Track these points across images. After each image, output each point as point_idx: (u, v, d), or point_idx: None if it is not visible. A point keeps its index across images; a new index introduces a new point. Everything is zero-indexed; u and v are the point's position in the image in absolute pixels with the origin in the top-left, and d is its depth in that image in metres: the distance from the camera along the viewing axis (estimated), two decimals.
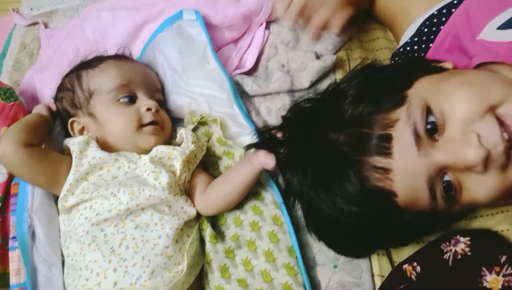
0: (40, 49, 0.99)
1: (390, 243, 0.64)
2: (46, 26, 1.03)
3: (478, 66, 0.61)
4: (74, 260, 0.59)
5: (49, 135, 0.71)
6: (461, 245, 0.58)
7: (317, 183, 0.54)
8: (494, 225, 0.63)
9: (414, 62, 0.64)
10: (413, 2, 0.74)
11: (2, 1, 1.13)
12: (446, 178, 0.51)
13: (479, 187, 0.51)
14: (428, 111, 0.51)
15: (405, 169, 0.50)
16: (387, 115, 0.51)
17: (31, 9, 1.07)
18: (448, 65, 0.59)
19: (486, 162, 0.48)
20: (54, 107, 0.74)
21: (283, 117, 0.65)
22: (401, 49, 0.72)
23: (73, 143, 0.64)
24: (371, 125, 0.52)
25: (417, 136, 0.50)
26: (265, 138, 0.64)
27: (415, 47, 0.70)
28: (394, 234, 0.59)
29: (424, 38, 0.69)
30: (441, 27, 0.67)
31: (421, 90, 0.53)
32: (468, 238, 0.59)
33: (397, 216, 0.53)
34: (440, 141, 0.51)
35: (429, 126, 0.50)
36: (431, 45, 0.68)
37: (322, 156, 0.55)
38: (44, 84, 0.86)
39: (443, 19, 0.67)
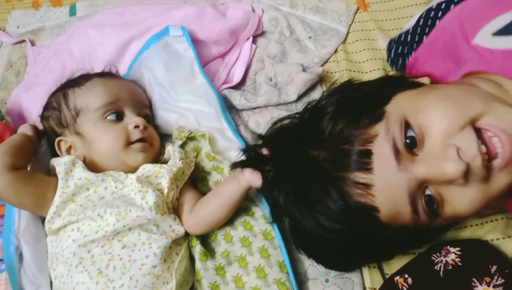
0: (27, 67, 0.99)
1: (376, 258, 0.64)
2: (33, 43, 1.02)
3: (468, 74, 0.62)
4: (62, 282, 0.59)
5: (35, 155, 0.70)
6: (452, 255, 0.59)
7: (300, 201, 0.55)
8: (484, 234, 0.64)
9: (392, 79, 0.65)
10: None
11: None
12: (427, 192, 0.51)
13: (461, 199, 0.51)
14: (407, 126, 0.51)
15: (386, 184, 0.50)
16: (366, 131, 0.52)
17: (18, 27, 1.08)
18: (425, 80, 0.60)
19: (467, 175, 0.49)
20: (40, 126, 0.73)
21: (262, 136, 0.65)
22: (399, 38, 0.75)
23: (59, 164, 0.64)
24: (350, 141, 0.52)
25: (396, 151, 0.50)
26: (251, 156, 0.64)
27: (409, 38, 0.72)
28: (379, 249, 0.59)
29: (419, 30, 0.70)
30: (437, 22, 0.68)
31: (399, 106, 0.54)
32: (459, 249, 0.59)
33: (381, 232, 0.53)
34: (419, 156, 0.51)
35: (408, 141, 0.51)
36: (424, 38, 0.70)
37: (304, 173, 0.55)
38: (31, 102, 0.85)
39: (440, 13, 0.68)
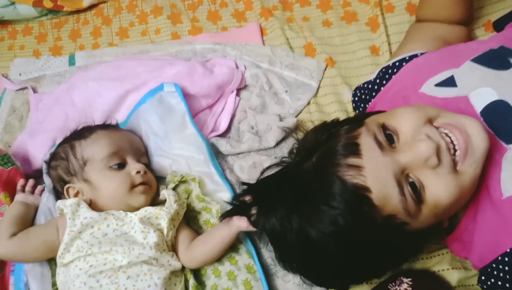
0: (30, 112, 1.05)
1: (368, 272, 0.67)
2: (34, 90, 1.09)
3: None
4: None
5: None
6: (405, 285, 0.67)
7: (300, 206, 0.59)
8: (433, 265, 0.73)
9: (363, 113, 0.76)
10: (409, 41, 0.89)
11: None
12: (410, 179, 0.57)
13: (437, 184, 0.57)
14: (384, 127, 0.60)
15: (373, 166, 0.56)
16: (350, 134, 0.60)
17: (20, 74, 1.14)
18: None
19: (438, 154, 0.56)
20: (31, 183, 0.83)
21: (246, 183, 0.74)
22: (363, 86, 0.87)
23: (66, 206, 0.72)
24: (337, 140, 0.60)
25: (378, 142, 0.58)
26: (236, 205, 0.73)
27: (370, 87, 0.85)
28: (372, 259, 0.62)
29: (378, 81, 0.83)
30: (393, 76, 0.82)
31: (375, 118, 0.64)
32: (410, 279, 0.68)
33: (374, 219, 0.56)
34: (397, 148, 0.59)
35: (387, 138, 0.59)
36: (382, 88, 0.83)
37: (299, 178, 0.61)
38: (36, 148, 0.93)
39: (395, 70, 0.82)
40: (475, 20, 0.98)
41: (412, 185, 0.57)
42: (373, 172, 0.56)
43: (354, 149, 0.57)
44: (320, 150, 0.61)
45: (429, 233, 0.64)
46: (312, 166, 0.61)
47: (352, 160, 0.56)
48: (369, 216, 0.55)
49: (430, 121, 0.60)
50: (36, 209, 0.80)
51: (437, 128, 0.60)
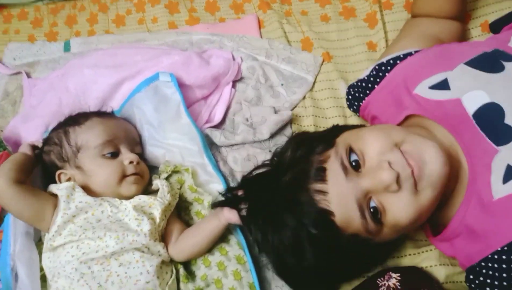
0: (23, 98, 1.05)
1: (342, 276, 0.73)
2: (28, 75, 1.09)
3: (408, 117, 0.75)
4: None
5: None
6: (393, 280, 0.68)
7: (272, 217, 0.64)
8: (420, 262, 0.74)
9: (339, 125, 0.78)
10: (403, 38, 0.90)
11: None
12: (372, 204, 0.62)
13: (397, 207, 0.61)
14: (350, 150, 0.64)
15: (337, 191, 0.60)
16: (320, 156, 0.64)
17: (14, 58, 1.14)
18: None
19: (398, 181, 0.60)
20: (39, 144, 0.81)
21: (244, 178, 0.75)
22: (356, 84, 0.88)
23: (60, 189, 0.72)
24: (308, 163, 0.64)
25: (344, 167, 0.62)
26: (228, 197, 0.74)
27: (363, 85, 0.86)
28: (344, 267, 0.68)
29: (371, 79, 0.84)
30: (386, 74, 0.82)
31: (345, 138, 0.67)
32: (399, 274, 0.69)
33: (339, 237, 0.61)
34: (362, 172, 0.63)
35: (354, 164, 0.63)
36: (375, 87, 0.83)
37: (273, 195, 0.65)
38: (29, 133, 0.93)
39: (389, 68, 0.82)
40: (472, 20, 0.99)
41: (374, 210, 0.62)
42: (337, 197, 0.60)
43: (321, 175, 0.62)
44: (295, 169, 0.65)
45: (392, 244, 0.71)
46: (286, 183, 0.65)
47: (319, 186, 0.61)
48: (334, 234, 0.61)
49: (397, 145, 0.63)
50: (34, 165, 0.79)
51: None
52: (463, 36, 0.94)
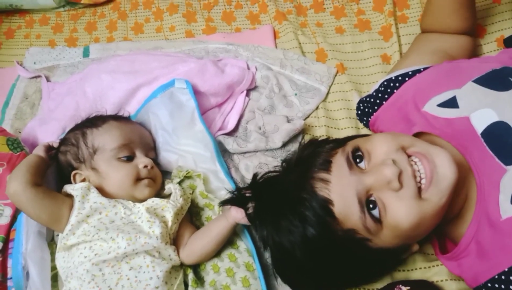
0: (41, 101, 1.08)
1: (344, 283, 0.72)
2: (47, 79, 1.11)
3: (416, 134, 0.75)
4: None
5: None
6: None
7: (277, 210, 0.65)
8: (432, 276, 0.73)
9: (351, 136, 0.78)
10: (412, 53, 0.91)
11: (7, 54, 1.23)
12: (373, 202, 0.61)
13: (398, 208, 0.60)
14: (358, 150, 0.65)
15: (339, 182, 0.61)
16: (329, 152, 0.66)
17: (34, 62, 1.17)
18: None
19: (400, 179, 0.60)
20: (56, 144, 0.82)
21: (254, 178, 0.75)
22: (365, 99, 0.88)
23: (75, 189, 0.73)
24: (316, 157, 0.66)
25: (349, 162, 0.63)
26: (236, 196, 0.74)
27: (372, 100, 0.86)
28: (347, 273, 0.68)
29: (380, 95, 0.84)
30: (395, 91, 0.82)
31: (354, 141, 0.68)
32: (409, 288, 0.68)
33: (336, 229, 0.60)
34: (366, 170, 0.63)
35: (358, 160, 0.65)
36: (384, 102, 0.84)
37: (279, 188, 0.67)
38: (46, 135, 0.95)
39: (397, 84, 0.82)
40: (487, 35, 0.99)
41: (373, 204, 0.61)
42: (338, 188, 0.61)
43: (326, 166, 0.63)
44: (303, 164, 0.67)
45: (395, 254, 0.68)
46: (294, 177, 0.66)
47: (322, 175, 0.62)
48: (331, 227, 0.60)
49: (403, 148, 0.64)
50: (47, 167, 0.79)
51: (409, 156, 0.64)
52: (475, 51, 0.94)
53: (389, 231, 0.61)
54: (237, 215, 0.72)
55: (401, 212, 0.60)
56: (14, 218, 0.81)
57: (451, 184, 0.61)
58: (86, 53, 1.16)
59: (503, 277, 0.59)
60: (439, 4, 0.88)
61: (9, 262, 0.77)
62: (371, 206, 0.61)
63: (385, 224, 0.61)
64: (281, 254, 0.66)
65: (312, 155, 0.67)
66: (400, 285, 0.69)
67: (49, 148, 0.82)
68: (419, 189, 0.61)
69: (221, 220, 0.74)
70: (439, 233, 0.73)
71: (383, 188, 0.61)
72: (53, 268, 0.75)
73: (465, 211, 0.67)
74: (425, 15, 0.93)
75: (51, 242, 0.79)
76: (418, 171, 0.62)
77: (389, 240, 0.63)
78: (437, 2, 0.88)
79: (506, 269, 0.59)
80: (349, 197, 0.60)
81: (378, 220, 0.61)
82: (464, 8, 0.86)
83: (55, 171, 0.83)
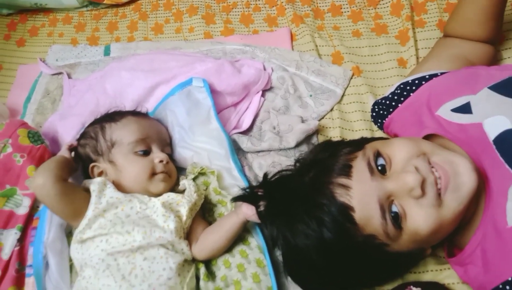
0: (62, 97, 1.10)
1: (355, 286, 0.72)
2: (69, 76, 1.14)
3: (426, 136, 0.75)
4: (89, 282, 0.68)
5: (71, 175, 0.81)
6: None
7: (291, 214, 0.65)
8: (443, 278, 0.74)
9: (368, 138, 0.79)
10: (431, 58, 0.91)
11: (31, 51, 1.26)
12: (394, 209, 0.61)
13: (418, 214, 0.60)
14: (378, 154, 0.65)
15: (360, 188, 0.61)
16: (347, 156, 0.65)
17: (57, 60, 1.20)
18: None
19: (423, 187, 0.60)
20: (75, 143, 0.84)
21: (265, 177, 0.76)
22: (380, 101, 0.89)
23: (93, 183, 0.74)
24: (334, 160, 0.65)
25: (370, 167, 0.63)
26: (248, 193, 0.75)
27: (387, 103, 0.87)
28: (359, 275, 0.68)
29: (395, 97, 0.85)
30: (411, 94, 0.83)
31: (374, 144, 0.68)
32: (420, 289, 0.69)
33: (356, 235, 0.60)
34: (387, 175, 0.63)
35: (379, 168, 0.64)
36: (399, 105, 0.84)
37: (298, 189, 0.66)
38: (66, 130, 0.97)
39: (414, 88, 0.83)
40: (506, 41, 0.98)
41: (395, 213, 0.61)
42: (359, 194, 0.60)
43: (346, 171, 0.62)
44: (319, 166, 0.66)
45: (410, 257, 0.69)
46: (309, 180, 0.65)
47: (343, 180, 0.62)
48: (351, 232, 0.60)
49: (424, 155, 0.64)
50: (73, 167, 0.81)
51: (429, 162, 0.63)
52: (494, 58, 0.94)
53: (407, 236, 0.62)
54: (248, 212, 0.72)
55: (421, 219, 0.60)
56: (32, 209, 0.84)
57: (471, 192, 0.61)
58: (107, 52, 1.19)
59: (507, 287, 0.58)
60: (467, 15, 0.87)
61: (30, 250, 0.78)
62: (392, 214, 0.61)
63: (405, 230, 0.62)
64: (295, 256, 0.67)
65: (329, 157, 0.67)
66: (411, 286, 0.70)
67: (71, 149, 0.84)
68: (439, 195, 0.61)
69: (232, 216, 0.75)
70: (447, 237, 0.73)
71: (404, 195, 0.61)
72: (70, 259, 0.77)
73: (473, 218, 0.67)
74: (451, 21, 0.92)
75: (69, 234, 0.81)
76: (439, 178, 0.62)
77: (406, 245, 0.63)
78: (465, 12, 0.87)
79: (510, 279, 0.58)
80: (371, 204, 0.60)
81: (399, 226, 0.61)
82: (492, 21, 0.86)
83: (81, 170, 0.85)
